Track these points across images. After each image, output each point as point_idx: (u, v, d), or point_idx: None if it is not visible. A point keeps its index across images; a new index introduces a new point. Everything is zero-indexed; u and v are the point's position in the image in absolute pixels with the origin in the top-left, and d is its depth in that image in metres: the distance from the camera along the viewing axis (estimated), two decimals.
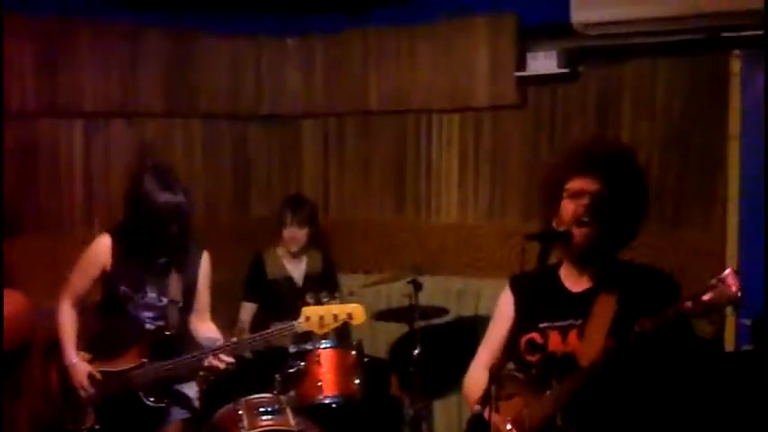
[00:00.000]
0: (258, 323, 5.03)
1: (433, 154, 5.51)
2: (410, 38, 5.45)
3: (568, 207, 2.68)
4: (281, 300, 5.00)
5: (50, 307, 4.08)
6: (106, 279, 3.80)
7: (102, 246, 3.78)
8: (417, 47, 5.42)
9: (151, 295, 3.77)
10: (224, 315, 4.54)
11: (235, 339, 3.70)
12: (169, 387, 3.79)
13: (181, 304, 3.79)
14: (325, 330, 3.60)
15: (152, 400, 3.70)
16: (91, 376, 3.72)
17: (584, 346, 2.68)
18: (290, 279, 5.14)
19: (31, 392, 3.96)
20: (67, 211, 5.07)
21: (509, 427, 2.77)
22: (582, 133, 4.95)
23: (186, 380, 3.88)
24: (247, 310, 5.10)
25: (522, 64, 5.06)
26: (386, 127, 5.68)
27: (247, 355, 4.09)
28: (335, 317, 3.54)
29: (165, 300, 3.77)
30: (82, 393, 3.71)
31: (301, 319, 3.54)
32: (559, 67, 4.95)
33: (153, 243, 3.70)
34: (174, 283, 3.76)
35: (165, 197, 3.59)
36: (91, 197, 5.13)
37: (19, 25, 4.76)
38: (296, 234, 5.03)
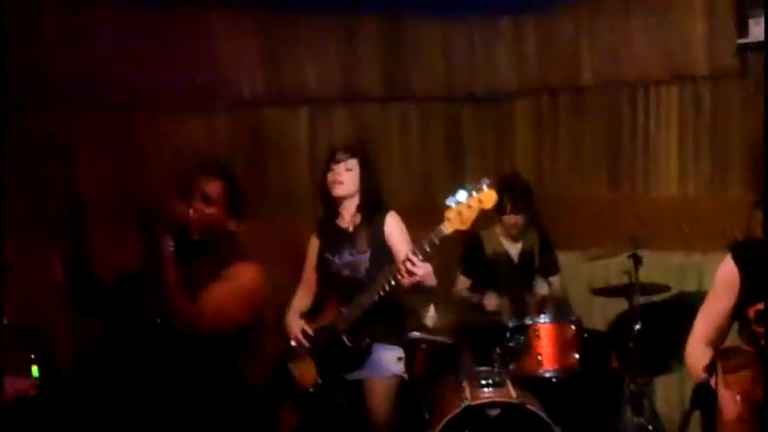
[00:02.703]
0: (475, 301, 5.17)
1: (649, 126, 5.39)
2: (624, 9, 5.35)
3: None
4: (497, 276, 5.09)
5: (277, 292, 4.44)
6: (319, 258, 4.27)
7: (313, 243, 4.36)
8: (631, 17, 5.32)
9: (346, 254, 4.14)
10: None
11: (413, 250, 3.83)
12: (366, 332, 4.03)
13: (368, 254, 4.10)
14: (468, 224, 3.68)
15: (349, 339, 4.00)
16: (304, 331, 4.17)
17: None
18: (507, 255, 5.20)
19: (266, 359, 4.32)
20: (294, 195, 5.37)
21: (738, 398, 2.72)
22: None
23: (381, 338, 4.08)
24: (462, 284, 5.22)
25: (743, 30, 4.86)
26: (600, 101, 5.61)
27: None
28: (470, 207, 3.65)
29: (355, 253, 4.13)
30: (295, 344, 4.17)
31: (445, 223, 3.69)
32: None
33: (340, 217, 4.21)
34: (362, 240, 4.13)
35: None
36: (316, 181, 5.38)
37: (245, 20, 5.09)
38: (515, 220, 5.06)
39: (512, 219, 5.04)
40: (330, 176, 4.14)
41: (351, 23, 5.55)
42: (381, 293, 3.87)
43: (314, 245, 4.34)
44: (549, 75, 5.78)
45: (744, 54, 4.92)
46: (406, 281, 3.78)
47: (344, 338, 4.00)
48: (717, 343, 2.86)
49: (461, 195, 3.68)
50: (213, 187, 3.40)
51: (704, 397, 2.63)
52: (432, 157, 5.96)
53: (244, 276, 3.38)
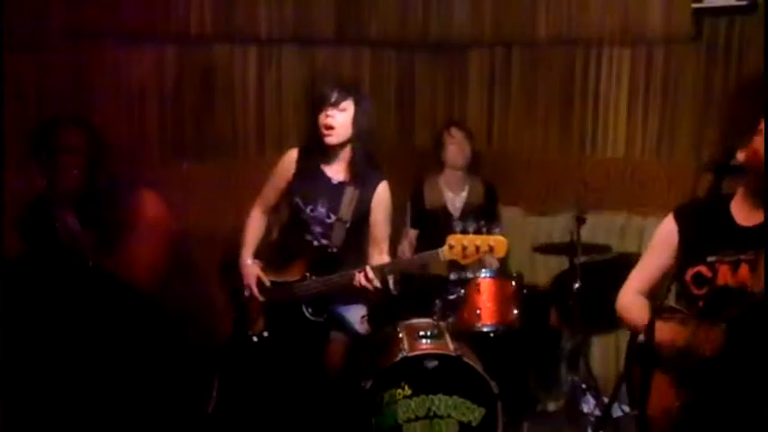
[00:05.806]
0: (419, 250, 5.13)
1: (601, 87, 5.36)
2: None
3: (762, 147, 2.64)
4: (435, 229, 5.06)
5: (225, 230, 4.32)
6: (288, 191, 3.97)
7: (289, 158, 3.96)
8: None
9: (321, 210, 3.88)
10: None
11: (380, 263, 3.76)
12: (328, 304, 3.91)
13: (348, 224, 3.85)
14: (468, 261, 3.60)
15: (311, 311, 3.85)
16: (259, 280, 3.96)
17: (755, 281, 2.65)
18: (445, 209, 5.17)
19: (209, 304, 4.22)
20: (241, 136, 5.26)
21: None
22: (758, 68, 4.71)
23: (345, 300, 3.96)
24: (411, 234, 5.19)
25: None
26: (553, 58, 5.55)
27: (393, 291, 4.15)
28: (477, 248, 3.54)
29: (333, 217, 3.87)
30: (248, 293, 3.96)
31: (445, 248, 3.58)
32: None
33: (325, 162, 3.87)
34: (347, 203, 3.84)
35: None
36: (263, 122, 5.28)
37: None
38: (464, 147, 5.08)
39: (460, 146, 5.07)
40: (321, 120, 3.73)
41: None
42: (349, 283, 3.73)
43: (289, 160, 3.93)
44: (504, 28, 5.70)
45: (699, 19, 4.91)
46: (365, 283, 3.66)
47: (305, 310, 3.84)
48: (649, 295, 2.96)
49: (473, 228, 3.56)
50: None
51: (642, 356, 2.68)
52: (382, 103, 5.87)
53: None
